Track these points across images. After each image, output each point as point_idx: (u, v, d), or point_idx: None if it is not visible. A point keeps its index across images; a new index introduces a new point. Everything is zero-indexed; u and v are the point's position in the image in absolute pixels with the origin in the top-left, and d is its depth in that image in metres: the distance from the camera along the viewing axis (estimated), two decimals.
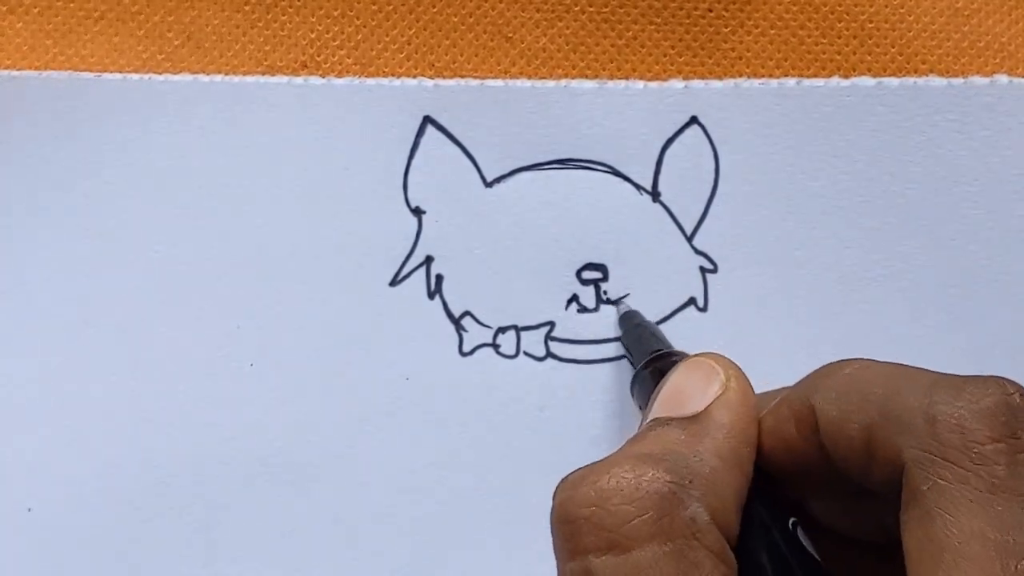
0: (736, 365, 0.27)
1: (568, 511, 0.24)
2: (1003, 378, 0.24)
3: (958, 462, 0.22)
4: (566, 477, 0.25)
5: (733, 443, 0.26)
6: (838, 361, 0.26)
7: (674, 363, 0.32)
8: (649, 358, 0.33)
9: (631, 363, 0.35)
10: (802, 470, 0.26)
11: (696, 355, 0.28)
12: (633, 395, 0.34)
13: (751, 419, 0.26)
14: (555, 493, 0.25)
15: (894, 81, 0.37)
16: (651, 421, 0.26)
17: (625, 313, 0.36)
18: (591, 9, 0.38)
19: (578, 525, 0.24)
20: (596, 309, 0.37)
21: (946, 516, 0.22)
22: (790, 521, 0.26)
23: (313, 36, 0.38)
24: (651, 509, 0.23)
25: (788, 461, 0.26)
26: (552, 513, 0.25)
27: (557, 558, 0.25)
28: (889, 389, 0.24)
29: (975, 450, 0.22)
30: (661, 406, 0.27)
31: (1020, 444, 0.23)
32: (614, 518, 0.23)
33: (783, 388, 0.29)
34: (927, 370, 0.25)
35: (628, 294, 0.37)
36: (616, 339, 0.37)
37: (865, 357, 0.26)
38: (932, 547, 0.22)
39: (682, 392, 0.27)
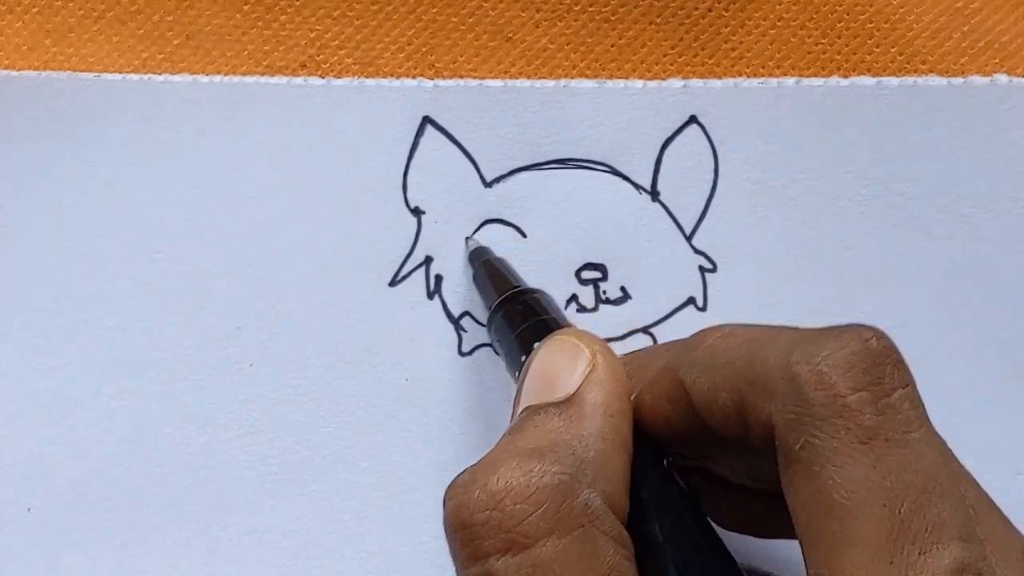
0: (599, 339, 0.27)
1: (462, 517, 0.24)
2: (862, 325, 0.23)
3: (826, 419, 0.22)
4: (453, 482, 0.25)
5: (612, 421, 0.25)
6: (701, 331, 0.26)
7: (523, 303, 0.31)
8: (501, 299, 0.32)
9: (485, 305, 0.34)
10: (691, 439, 0.26)
11: (557, 334, 0.28)
12: (490, 339, 0.33)
13: (623, 393, 0.26)
14: (445, 499, 0.25)
15: (894, 81, 0.37)
16: (525, 410, 0.26)
17: (475, 250, 0.36)
18: (591, 9, 0.38)
19: (475, 531, 0.23)
20: (595, 309, 0.37)
21: (828, 469, 0.22)
22: (680, 490, 0.26)
23: (313, 36, 0.38)
24: (545, 503, 0.23)
25: (674, 433, 0.26)
26: (445, 520, 0.24)
27: (456, 564, 0.24)
28: (751, 354, 0.24)
29: (839, 403, 0.22)
30: (531, 391, 0.26)
31: (884, 389, 0.22)
32: (510, 519, 0.23)
33: (653, 347, 0.28)
34: (790, 328, 0.25)
35: (625, 295, 0.37)
36: (615, 339, 0.36)
37: (728, 323, 0.26)
38: (818, 503, 0.22)
39: (550, 375, 0.26)
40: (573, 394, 0.25)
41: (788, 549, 0.28)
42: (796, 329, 0.24)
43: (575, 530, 0.23)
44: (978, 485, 0.25)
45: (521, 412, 0.26)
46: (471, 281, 0.36)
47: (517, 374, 0.29)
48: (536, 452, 0.24)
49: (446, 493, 0.25)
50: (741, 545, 0.27)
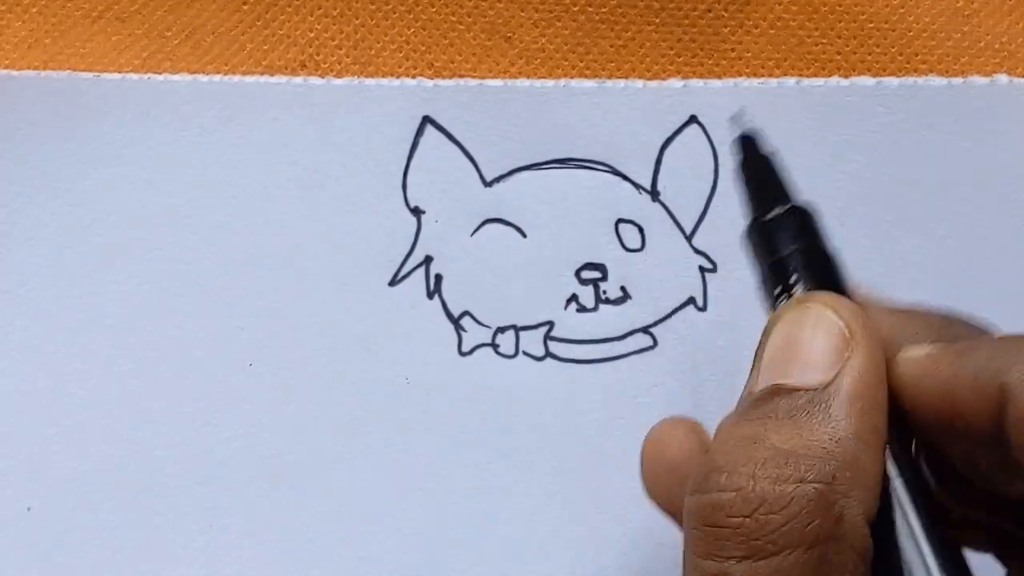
0: (858, 311, 0.25)
1: (714, 518, 0.23)
2: None
3: None
4: (707, 473, 0.23)
5: (869, 418, 0.23)
6: None
7: (788, 223, 0.28)
8: (768, 216, 0.28)
9: (751, 208, 0.29)
10: (958, 433, 0.24)
11: (812, 300, 0.25)
12: (744, 249, 0.29)
13: (882, 380, 0.24)
14: (693, 488, 0.23)
15: (894, 81, 0.37)
16: (773, 387, 0.24)
17: (744, 136, 0.29)
18: (590, 9, 0.38)
19: (724, 533, 0.22)
20: (595, 309, 0.37)
21: None
22: (928, 499, 0.24)
23: (312, 36, 0.38)
24: (798, 515, 0.22)
25: (943, 422, 0.24)
26: (694, 511, 0.23)
27: (689, 550, 0.23)
28: None
29: None
30: (778, 360, 0.24)
31: None
32: (763, 528, 0.22)
33: (917, 309, 0.26)
34: None
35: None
36: (615, 339, 0.37)
37: None
38: None
39: (802, 350, 0.24)
40: (829, 382, 0.23)
41: None
42: None
43: (825, 543, 0.22)
44: None
45: (766, 388, 0.24)
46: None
47: (768, 299, 0.27)
48: (792, 456, 0.23)
49: (697, 482, 0.23)
50: None
